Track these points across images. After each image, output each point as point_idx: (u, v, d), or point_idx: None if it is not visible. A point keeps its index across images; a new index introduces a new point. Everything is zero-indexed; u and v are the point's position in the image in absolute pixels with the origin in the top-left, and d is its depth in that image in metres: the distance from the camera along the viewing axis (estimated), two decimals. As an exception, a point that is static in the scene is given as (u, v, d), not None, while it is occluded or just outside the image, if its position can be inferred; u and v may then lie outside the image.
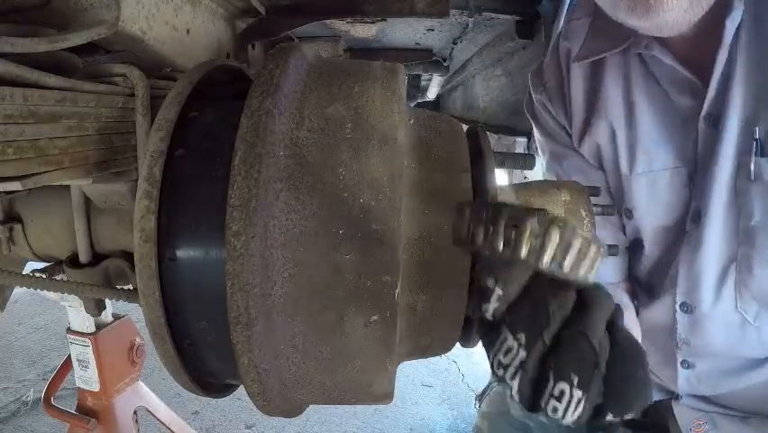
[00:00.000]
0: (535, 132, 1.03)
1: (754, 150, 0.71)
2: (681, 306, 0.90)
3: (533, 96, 0.99)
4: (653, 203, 0.86)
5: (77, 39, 0.61)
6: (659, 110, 0.82)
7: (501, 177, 1.83)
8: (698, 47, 0.72)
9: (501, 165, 0.59)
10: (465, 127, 0.59)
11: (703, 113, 0.76)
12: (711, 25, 0.68)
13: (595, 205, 0.69)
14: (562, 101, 0.93)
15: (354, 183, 0.44)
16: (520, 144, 1.59)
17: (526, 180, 1.51)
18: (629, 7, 0.63)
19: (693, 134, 0.78)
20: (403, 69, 0.54)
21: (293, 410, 0.55)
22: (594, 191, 0.73)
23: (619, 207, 0.91)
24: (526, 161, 0.62)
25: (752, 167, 0.71)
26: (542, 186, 0.66)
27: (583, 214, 0.62)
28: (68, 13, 0.67)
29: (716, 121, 0.75)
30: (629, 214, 0.90)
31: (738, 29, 0.69)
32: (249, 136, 0.44)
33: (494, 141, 1.85)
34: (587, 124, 0.89)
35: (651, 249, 0.93)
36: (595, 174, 0.93)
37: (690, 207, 0.82)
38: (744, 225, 0.76)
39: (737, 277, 0.81)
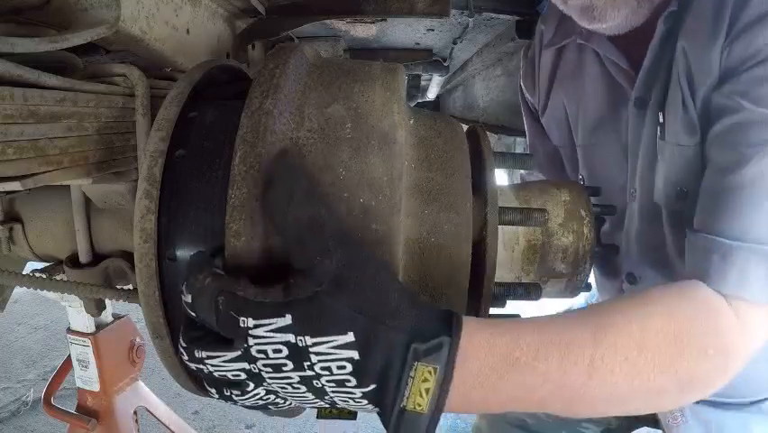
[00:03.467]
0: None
1: (658, 133, 0.75)
2: (626, 276, 0.92)
3: (521, 81, 1.11)
4: (594, 173, 0.94)
5: (77, 39, 0.61)
6: (601, 91, 0.89)
7: (501, 176, 1.82)
8: (635, 40, 0.77)
9: (501, 165, 0.59)
10: (465, 127, 0.58)
11: (632, 97, 0.81)
12: (648, 22, 0.74)
13: (595, 205, 0.69)
14: (531, 76, 1.05)
15: (354, 183, 0.44)
16: (520, 144, 1.60)
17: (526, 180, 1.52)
18: (578, 14, 0.74)
19: (623, 113, 0.85)
20: (403, 69, 0.53)
21: (294, 411, 0.55)
22: (594, 191, 0.73)
23: (575, 174, 1.00)
24: (526, 161, 0.62)
25: (657, 149, 0.77)
26: (542, 186, 0.66)
27: (583, 214, 0.62)
28: (68, 13, 0.67)
29: (642, 105, 0.80)
30: (582, 180, 0.96)
31: (674, 27, 0.73)
32: (249, 136, 0.44)
33: (494, 141, 1.85)
34: (547, 98, 1.01)
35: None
36: (547, 146, 1.06)
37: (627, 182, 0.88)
38: (654, 205, 0.81)
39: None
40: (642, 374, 0.46)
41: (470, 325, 0.43)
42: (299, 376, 0.40)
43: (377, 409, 0.42)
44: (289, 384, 0.41)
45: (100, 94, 0.66)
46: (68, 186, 0.81)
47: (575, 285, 0.65)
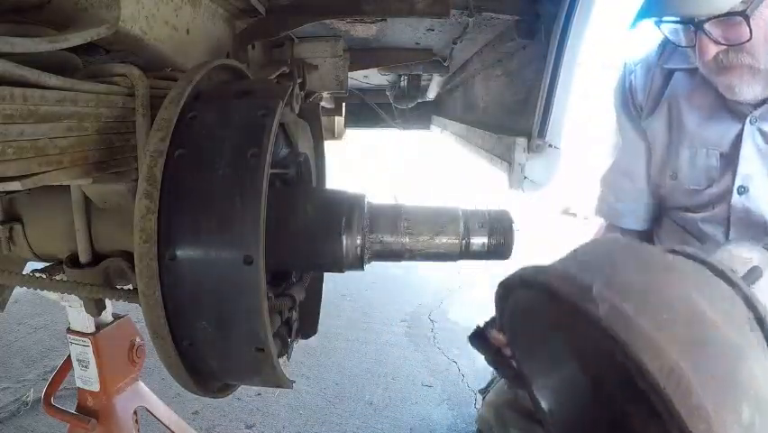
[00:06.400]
0: (616, 111, 1.33)
1: None
2: None
3: (626, 81, 1.27)
4: (684, 172, 1.15)
5: (77, 39, 0.61)
6: (708, 108, 1.11)
7: (498, 174, 1.82)
8: None
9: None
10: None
11: (750, 116, 1.04)
12: None
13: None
14: (644, 82, 1.24)
15: None
16: (520, 145, 1.59)
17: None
18: (722, 89, 1.00)
19: (735, 128, 1.07)
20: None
21: None
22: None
23: (664, 170, 1.21)
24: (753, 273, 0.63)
25: None
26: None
27: None
28: (68, 13, 0.67)
29: (753, 122, 1.04)
30: (674, 176, 1.18)
31: None
32: None
33: (494, 141, 1.85)
34: (655, 105, 1.21)
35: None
36: (639, 144, 1.26)
37: (733, 179, 1.07)
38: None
39: None
40: None
41: None
42: None
43: None
44: None
45: (100, 94, 0.66)
46: (68, 186, 0.81)
47: None
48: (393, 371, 2.78)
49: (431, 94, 3.34)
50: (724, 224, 1.12)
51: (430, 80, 3.08)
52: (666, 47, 1.20)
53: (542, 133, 1.53)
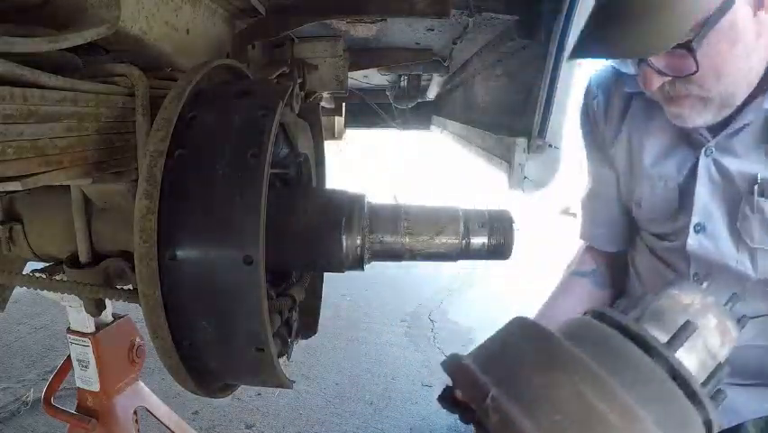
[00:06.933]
0: (582, 137, 1.29)
1: (756, 191, 0.93)
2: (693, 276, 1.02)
3: (589, 107, 1.22)
4: (647, 202, 1.11)
5: (77, 39, 0.61)
6: (665, 136, 1.06)
7: (498, 174, 1.82)
8: None
9: None
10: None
11: (705, 148, 0.97)
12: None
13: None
14: (605, 109, 1.19)
15: None
16: (520, 145, 1.59)
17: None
18: (671, 117, 0.94)
19: (691, 159, 1.02)
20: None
21: None
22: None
23: (630, 199, 1.16)
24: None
25: (755, 203, 0.94)
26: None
27: (729, 326, 0.60)
28: (68, 13, 0.67)
29: (715, 155, 0.98)
30: (638, 204, 1.13)
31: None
32: None
33: (494, 141, 1.85)
34: (618, 131, 1.17)
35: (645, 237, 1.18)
36: (607, 174, 1.21)
37: (690, 217, 1.02)
38: (744, 246, 0.97)
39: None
40: None
41: None
42: None
43: None
44: None
45: (100, 94, 0.66)
46: (68, 186, 0.81)
47: None
48: (393, 371, 2.78)
49: (431, 94, 3.35)
50: (685, 257, 1.06)
51: (430, 80, 3.08)
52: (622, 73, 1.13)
53: (542, 134, 1.53)
